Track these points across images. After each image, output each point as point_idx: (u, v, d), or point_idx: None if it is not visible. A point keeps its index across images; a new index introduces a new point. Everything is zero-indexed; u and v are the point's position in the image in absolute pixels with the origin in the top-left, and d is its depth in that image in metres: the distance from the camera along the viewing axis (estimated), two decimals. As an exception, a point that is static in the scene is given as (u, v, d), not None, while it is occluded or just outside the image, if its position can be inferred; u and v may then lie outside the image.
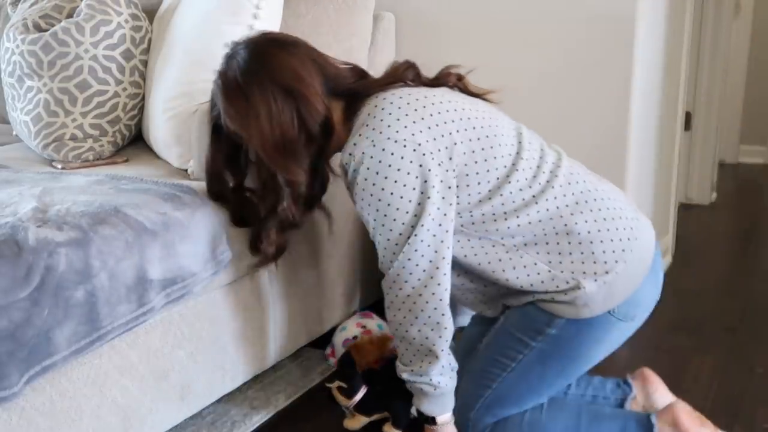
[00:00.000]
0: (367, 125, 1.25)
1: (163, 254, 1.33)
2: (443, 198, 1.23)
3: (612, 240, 1.28)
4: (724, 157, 4.28)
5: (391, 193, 1.21)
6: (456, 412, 1.38)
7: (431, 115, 1.25)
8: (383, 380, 1.56)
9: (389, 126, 1.22)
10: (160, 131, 1.82)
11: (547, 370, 1.36)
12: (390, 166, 1.21)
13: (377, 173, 1.21)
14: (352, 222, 1.90)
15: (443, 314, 1.26)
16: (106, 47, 1.83)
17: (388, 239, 1.25)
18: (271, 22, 1.77)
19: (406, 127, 1.22)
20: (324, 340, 1.87)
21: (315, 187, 1.43)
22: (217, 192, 1.49)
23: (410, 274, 1.24)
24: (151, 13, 2.01)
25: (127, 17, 1.86)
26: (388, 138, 1.21)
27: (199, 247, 1.41)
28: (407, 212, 1.22)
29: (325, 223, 1.79)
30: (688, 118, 3.25)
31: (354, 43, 2.00)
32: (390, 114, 1.24)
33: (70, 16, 1.92)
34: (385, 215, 1.23)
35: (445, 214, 1.23)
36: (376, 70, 2.13)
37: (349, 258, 1.91)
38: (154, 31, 1.94)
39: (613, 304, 1.28)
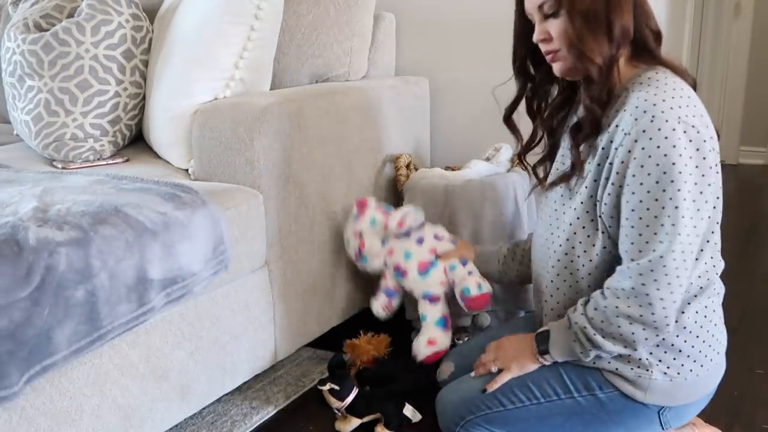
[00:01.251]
0: (663, 98, 1.12)
1: (163, 254, 1.33)
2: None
3: (700, 351, 1.25)
4: (725, 158, 4.28)
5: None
6: (451, 408, 1.37)
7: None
8: (375, 381, 1.57)
9: (694, 126, 1.13)
10: (160, 131, 1.82)
11: (566, 424, 1.32)
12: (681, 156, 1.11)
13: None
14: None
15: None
16: (106, 47, 1.83)
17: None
18: (272, 21, 1.77)
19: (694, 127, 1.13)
20: (324, 341, 1.87)
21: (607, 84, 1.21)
22: (521, 67, 1.36)
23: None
24: (152, 13, 2.01)
25: (128, 17, 1.86)
26: (685, 132, 1.11)
27: (200, 247, 1.41)
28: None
29: (325, 222, 1.79)
30: (688, 118, 3.25)
31: (355, 43, 2.01)
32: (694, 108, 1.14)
33: (70, 15, 1.92)
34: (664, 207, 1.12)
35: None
36: (377, 71, 2.14)
37: (350, 258, 1.91)
38: (155, 30, 1.94)
39: (669, 404, 1.26)
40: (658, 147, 1.11)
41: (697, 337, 1.24)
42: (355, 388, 1.52)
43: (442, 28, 2.21)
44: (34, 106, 1.85)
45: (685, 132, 1.11)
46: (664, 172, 1.11)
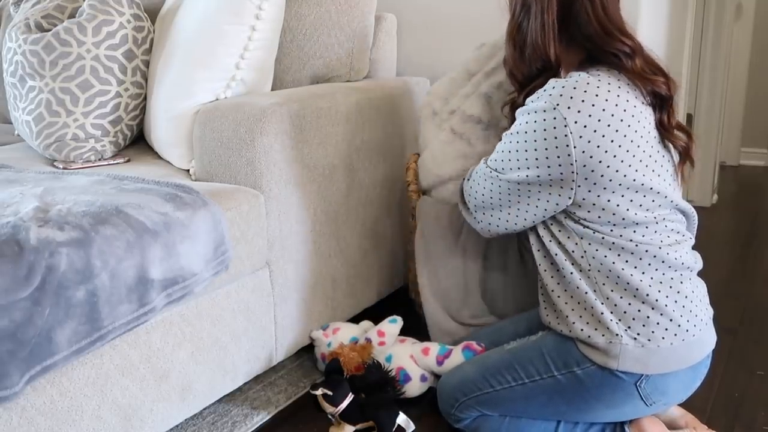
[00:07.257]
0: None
1: (164, 254, 1.33)
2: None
3: (671, 320, 1.29)
4: (725, 159, 4.28)
5: None
6: (447, 391, 1.48)
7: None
8: (368, 388, 1.56)
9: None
10: (161, 131, 1.82)
11: (550, 403, 1.37)
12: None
13: None
14: (352, 222, 1.90)
15: None
16: (108, 47, 1.83)
17: None
18: (273, 22, 1.77)
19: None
20: (324, 341, 1.87)
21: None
22: None
23: None
24: (153, 13, 2.01)
25: (130, 17, 1.87)
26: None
27: (200, 248, 1.41)
28: None
29: (326, 222, 1.80)
30: (689, 119, 3.25)
31: (356, 44, 2.01)
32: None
33: (72, 16, 1.92)
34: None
35: None
36: (379, 71, 2.14)
37: (351, 258, 1.91)
38: (156, 31, 1.94)
39: (644, 371, 1.28)
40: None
41: (666, 306, 1.28)
42: (350, 393, 1.52)
43: (443, 29, 2.21)
44: (35, 106, 1.85)
45: (545, 111, 1.24)
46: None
